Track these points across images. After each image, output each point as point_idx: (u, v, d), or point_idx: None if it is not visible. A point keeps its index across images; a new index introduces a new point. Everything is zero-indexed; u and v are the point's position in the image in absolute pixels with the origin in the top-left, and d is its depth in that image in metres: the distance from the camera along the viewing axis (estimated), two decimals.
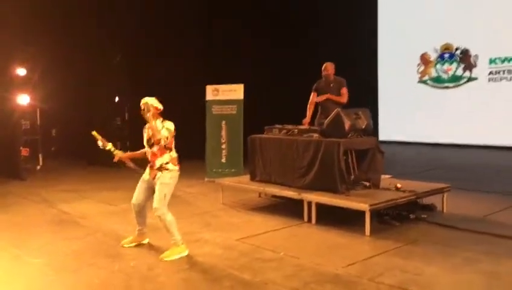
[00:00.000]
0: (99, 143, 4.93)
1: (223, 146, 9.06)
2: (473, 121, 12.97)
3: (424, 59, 14.56)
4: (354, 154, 5.89)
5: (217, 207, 6.87)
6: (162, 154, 4.74)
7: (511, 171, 9.59)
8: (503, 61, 12.77)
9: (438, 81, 14.27)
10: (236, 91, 8.92)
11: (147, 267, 4.40)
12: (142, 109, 4.70)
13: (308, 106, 7.20)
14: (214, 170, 9.10)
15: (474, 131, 12.92)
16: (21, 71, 9.18)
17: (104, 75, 10.64)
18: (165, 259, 4.54)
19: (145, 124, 4.82)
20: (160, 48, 11.38)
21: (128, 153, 5.14)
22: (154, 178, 4.74)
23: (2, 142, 9.21)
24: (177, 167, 4.81)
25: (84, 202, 7.29)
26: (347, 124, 5.78)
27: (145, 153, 4.89)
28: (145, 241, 5.09)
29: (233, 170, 8.88)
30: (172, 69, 11.40)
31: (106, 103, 10.90)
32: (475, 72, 13.39)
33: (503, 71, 12.78)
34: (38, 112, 9.39)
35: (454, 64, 13.91)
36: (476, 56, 13.34)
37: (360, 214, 5.36)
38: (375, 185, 6.01)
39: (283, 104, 10.81)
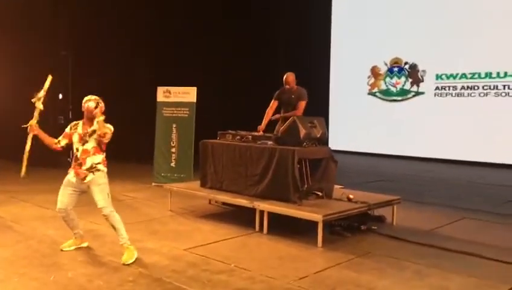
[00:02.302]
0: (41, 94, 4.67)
1: (173, 150, 8.74)
2: (420, 134, 13.39)
3: (374, 72, 14.91)
4: (307, 163, 5.79)
5: (165, 214, 6.57)
6: (95, 153, 4.55)
7: (458, 183, 9.91)
8: (448, 77, 13.28)
9: (386, 94, 14.64)
10: (189, 94, 8.65)
11: (86, 278, 4.05)
12: (86, 104, 4.55)
13: (267, 111, 7.06)
14: (163, 175, 8.77)
15: (421, 143, 13.34)
16: None
17: (48, 71, 10.02)
18: (128, 262, 4.40)
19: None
20: (110, 47, 10.93)
21: (42, 133, 4.65)
22: (83, 179, 4.52)
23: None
24: (106, 169, 4.64)
25: (18, 205, 6.79)
26: (302, 132, 5.68)
27: (54, 143, 4.60)
28: (84, 244, 4.87)
29: (182, 175, 8.59)
30: (123, 69, 10.99)
31: (49, 101, 10.27)
32: (422, 87, 13.83)
33: (449, 87, 13.28)
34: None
35: (403, 79, 14.32)
36: (424, 71, 13.81)
37: (313, 224, 5.25)
38: (328, 195, 5.94)
39: (236, 110, 10.68)
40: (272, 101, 7.14)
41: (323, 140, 6.02)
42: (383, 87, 14.72)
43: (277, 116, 7.10)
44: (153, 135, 8.96)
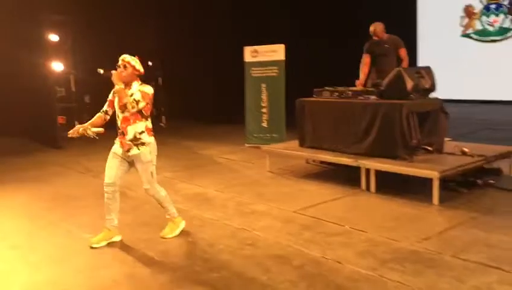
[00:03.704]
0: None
1: (264, 110, 8.67)
2: None
3: (468, 11, 13.67)
4: (415, 117, 5.44)
5: (265, 175, 6.57)
6: (135, 120, 3.99)
7: None
8: None
9: (483, 34, 13.42)
10: (277, 52, 8.43)
11: (206, 242, 4.15)
12: (118, 65, 3.98)
13: (361, 67, 6.70)
14: (255, 135, 8.76)
15: None
16: (54, 37, 8.87)
17: (137, 38, 10.26)
18: (167, 237, 4.23)
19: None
20: (198, 9, 10.90)
21: (88, 123, 4.18)
22: (128, 151, 4.03)
23: (38, 110, 9.05)
24: (152, 138, 4.13)
25: (127, 173, 7.06)
26: (409, 84, 5.31)
27: (102, 117, 4.17)
28: (117, 238, 4.21)
29: (274, 135, 8.53)
30: (208, 31, 10.97)
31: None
32: None
33: None
34: (72, 79, 9.13)
35: (501, 16, 13.02)
36: None
37: (423, 181, 4.98)
38: (439, 150, 5.57)
39: (327, 66, 10.24)
40: (364, 55, 6.75)
41: (432, 91, 5.60)
42: (479, 27, 13.49)
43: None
44: (241, 96, 8.93)
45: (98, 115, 4.21)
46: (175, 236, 4.28)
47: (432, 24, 14.24)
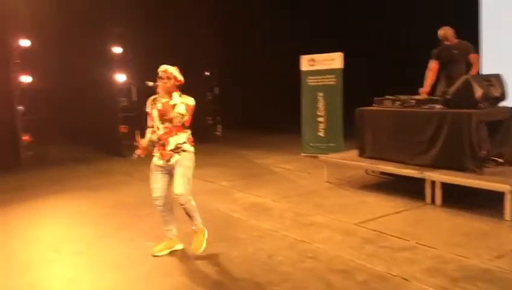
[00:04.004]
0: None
1: (320, 119, 8.56)
2: None
3: None
4: (485, 127, 5.15)
5: (322, 185, 6.45)
6: (177, 132, 3.95)
7: None
8: None
9: None
10: (334, 60, 8.32)
11: (266, 253, 4.10)
12: (160, 77, 3.90)
13: (427, 73, 6.44)
14: (311, 145, 8.67)
15: None
16: (117, 49, 9.22)
17: (194, 48, 10.47)
18: (199, 252, 4.02)
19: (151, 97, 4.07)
20: (253, 18, 10.98)
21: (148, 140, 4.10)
22: (169, 160, 3.96)
23: (104, 119, 9.42)
24: (193, 149, 4.05)
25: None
26: (478, 92, 5.04)
27: (152, 134, 4.06)
28: (179, 246, 4.26)
29: (331, 145, 8.40)
30: (266, 40, 11.01)
31: (197, 78, 10.76)
32: None
33: None
34: (133, 89, 9.43)
35: None
36: None
37: (493, 195, 4.69)
38: (510, 161, 5.24)
39: (387, 75, 9.96)
40: (431, 61, 6.49)
41: (503, 100, 5.29)
42: None
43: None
44: (297, 105, 8.86)
45: (150, 131, 4.10)
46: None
47: (496, 25, 13.52)
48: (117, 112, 9.20)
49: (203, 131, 10.76)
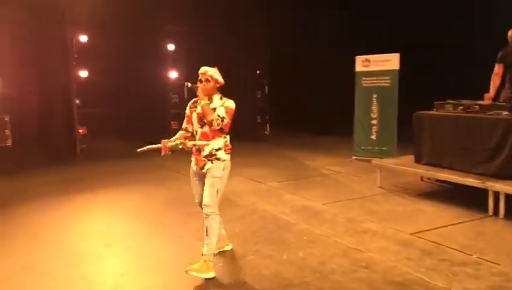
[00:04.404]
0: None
1: (374, 122, 8.30)
2: None
3: None
4: None
5: (375, 191, 6.23)
6: (214, 136, 3.74)
7: None
8: None
9: None
10: (390, 61, 8.04)
11: (317, 260, 3.97)
12: (200, 80, 3.71)
13: (493, 78, 6.07)
14: (362, 148, 8.43)
15: None
16: (170, 47, 9.33)
17: (245, 49, 10.44)
18: (192, 273, 3.61)
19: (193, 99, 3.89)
20: (304, 18, 10.82)
21: (172, 140, 3.86)
22: (202, 168, 3.77)
23: (154, 115, 9.57)
24: (228, 157, 3.81)
25: (233, 179, 7.05)
26: None
27: (184, 135, 3.90)
28: (228, 247, 4.20)
29: (384, 148, 8.14)
30: (317, 39, 10.82)
31: (248, 76, 10.74)
32: None
33: None
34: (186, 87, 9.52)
35: None
36: None
37: None
38: None
39: (444, 76, 9.54)
40: (496, 65, 6.11)
41: None
42: None
43: None
44: (349, 107, 8.64)
45: (180, 133, 3.95)
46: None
47: None
48: (169, 109, 9.31)
49: (252, 130, 10.73)
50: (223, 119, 3.66)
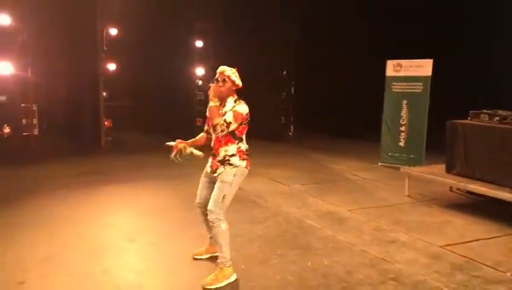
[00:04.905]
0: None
1: (403, 128, 8.10)
2: None
3: None
4: None
5: (402, 200, 6.06)
6: (227, 142, 3.56)
7: None
8: None
9: None
10: (423, 67, 7.83)
11: (343, 269, 3.84)
12: (217, 79, 3.55)
13: None
14: (390, 154, 8.24)
15: None
16: (198, 43, 9.30)
17: (272, 47, 10.34)
18: (208, 287, 3.46)
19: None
20: (335, 19, 10.66)
21: (190, 141, 3.75)
22: (215, 172, 3.63)
23: (180, 111, 9.57)
24: (244, 163, 3.61)
25: (256, 179, 7.01)
26: None
27: (204, 137, 3.81)
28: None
29: (412, 156, 7.94)
30: (347, 41, 10.64)
31: (275, 76, 10.66)
32: None
33: None
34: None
35: None
36: None
37: None
38: None
39: (482, 85, 9.24)
40: None
41: None
42: None
43: None
44: (377, 111, 8.45)
45: (201, 135, 3.85)
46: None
47: None
48: (194, 105, 9.29)
49: (275, 130, 10.63)
50: (228, 125, 3.44)
